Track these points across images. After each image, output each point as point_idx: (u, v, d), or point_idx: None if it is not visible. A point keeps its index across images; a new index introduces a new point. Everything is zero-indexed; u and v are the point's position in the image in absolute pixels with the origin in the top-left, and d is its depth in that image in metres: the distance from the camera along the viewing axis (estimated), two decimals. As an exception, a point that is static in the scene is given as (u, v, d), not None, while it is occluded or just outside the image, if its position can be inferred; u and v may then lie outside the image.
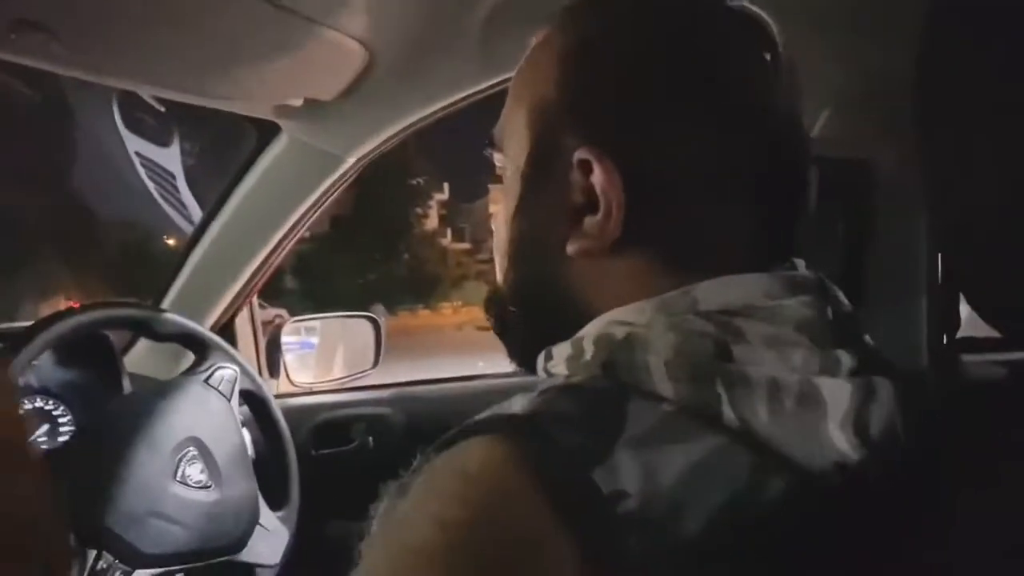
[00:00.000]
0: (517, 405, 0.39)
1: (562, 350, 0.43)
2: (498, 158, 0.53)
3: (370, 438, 1.18)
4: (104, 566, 0.74)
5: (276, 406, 1.05)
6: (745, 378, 0.37)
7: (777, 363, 0.38)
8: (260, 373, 1.32)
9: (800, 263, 0.46)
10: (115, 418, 0.86)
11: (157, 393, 0.90)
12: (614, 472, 0.34)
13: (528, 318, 0.50)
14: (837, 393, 0.37)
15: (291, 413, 1.24)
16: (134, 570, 0.77)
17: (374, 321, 1.58)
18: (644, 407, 0.37)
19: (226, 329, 1.27)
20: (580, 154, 0.43)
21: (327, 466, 1.17)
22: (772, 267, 0.43)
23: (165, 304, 1.20)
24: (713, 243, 0.43)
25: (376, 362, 1.56)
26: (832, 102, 0.79)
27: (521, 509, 0.33)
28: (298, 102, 0.96)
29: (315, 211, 1.15)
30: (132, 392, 1.04)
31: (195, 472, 0.88)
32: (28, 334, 0.81)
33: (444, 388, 1.31)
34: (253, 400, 1.04)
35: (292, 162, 1.07)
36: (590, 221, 0.43)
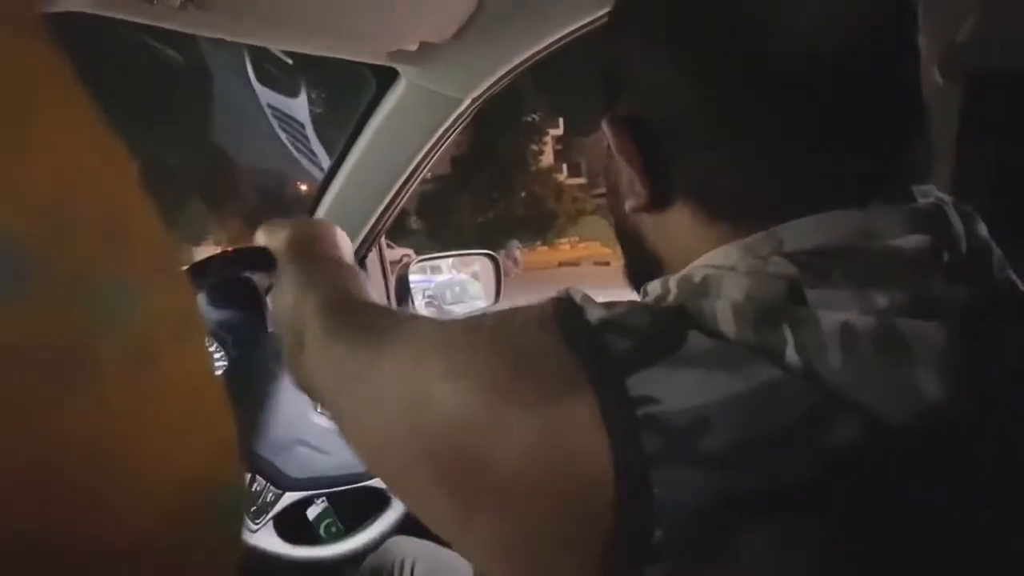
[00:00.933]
0: (596, 312, 0.40)
1: (654, 287, 0.45)
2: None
3: None
4: (258, 488, 0.84)
5: None
6: (814, 321, 0.35)
7: (855, 303, 0.36)
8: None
9: (926, 189, 0.43)
10: (262, 355, 0.95)
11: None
12: (648, 380, 0.35)
13: (631, 266, 0.54)
14: (928, 335, 0.35)
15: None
16: (284, 492, 0.86)
17: (493, 258, 1.62)
18: (703, 338, 0.37)
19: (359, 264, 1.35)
20: (603, 124, 0.47)
21: None
22: (875, 201, 0.40)
23: None
24: (764, 186, 0.41)
25: (497, 297, 1.61)
26: (979, 3, 0.71)
27: (553, 364, 0.38)
28: (413, 46, 0.99)
29: (435, 153, 1.18)
30: (272, 330, 1.14)
31: None
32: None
33: None
34: None
35: (411, 106, 1.10)
36: (625, 180, 0.47)
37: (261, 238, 0.84)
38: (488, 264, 1.61)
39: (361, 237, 1.29)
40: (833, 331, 0.35)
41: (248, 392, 0.90)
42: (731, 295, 0.38)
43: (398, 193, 1.23)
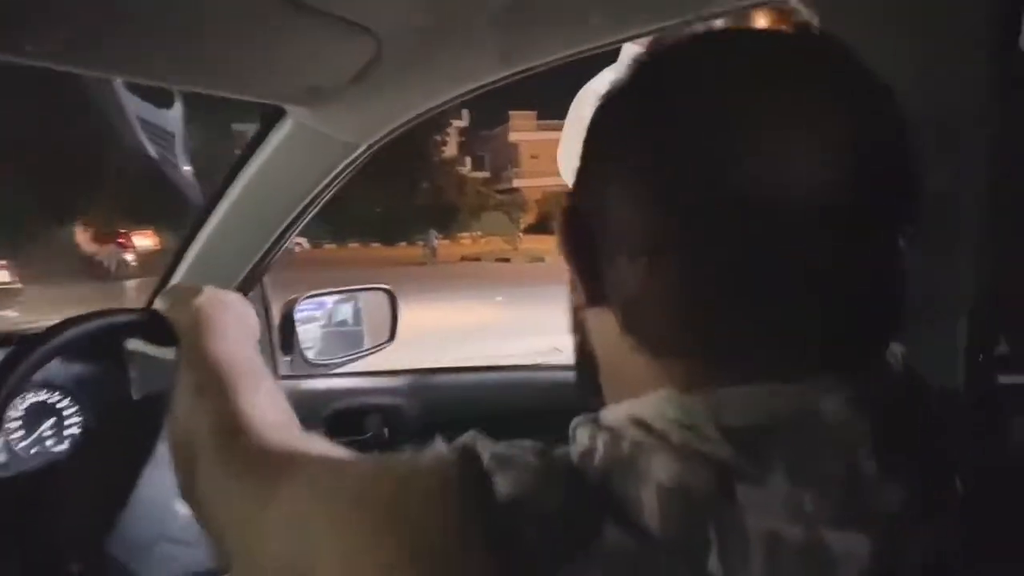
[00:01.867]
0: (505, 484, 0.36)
1: (582, 435, 0.40)
2: None
3: (385, 429, 1.16)
4: None
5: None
6: (741, 528, 0.33)
7: (784, 510, 0.34)
8: (273, 352, 1.30)
9: (889, 359, 0.40)
10: (123, 427, 0.83)
11: (161, 400, 0.87)
12: None
13: (577, 357, 0.50)
14: (855, 550, 0.33)
15: (304, 399, 1.23)
16: None
17: (389, 293, 1.54)
18: (620, 535, 0.34)
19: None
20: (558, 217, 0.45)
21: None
22: (826, 371, 0.37)
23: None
24: (700, 332, 0.38)
25: (392, 336, 1.53)
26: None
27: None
28: (304, 88, 0.90)
29: (328, 194, 1.10)
30: (138, 399, 1.01)
31: None
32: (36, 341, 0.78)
33: (461, 378, 1.29)
34: None
35: (299, 147, 1.01)
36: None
37: (162, 305, 0.79)
38: (384, 299, 1.52)
39: (244, 274, 1.18)
40: (759, 540, 0.33)
41: (104, 473, 0.79)
42: (659, 478, 0.35)
43: (284, 232, 1.13)
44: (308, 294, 1.44)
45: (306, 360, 1.37)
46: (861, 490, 0.34)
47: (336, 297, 1.50)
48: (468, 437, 0.41)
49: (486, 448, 0.38)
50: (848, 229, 0.36)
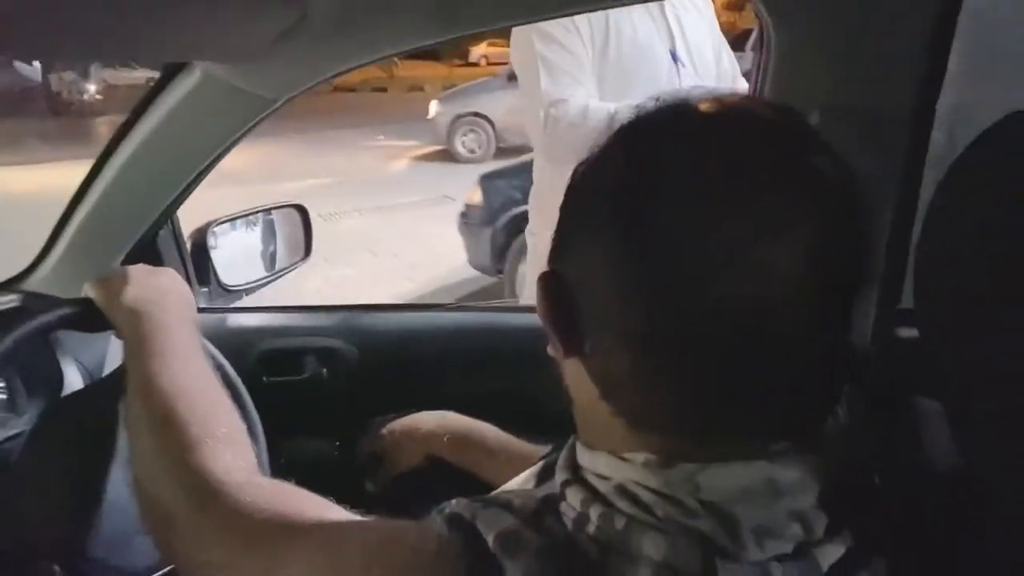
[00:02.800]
0: (518, 566, 0.41)
1: (574, 497, 0.45)
2: None
3: (323, 369, 1.18)
4: None
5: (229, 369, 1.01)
6: None
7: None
8: (190, 283, 1.26)
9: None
10: (68, 422, 0.82)
11: (109, 390, 0.85)
12: None
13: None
14: None
15: (234, 337, 1.22)
16: None
17: (301, 209, 1.49)
18: None
19: (149, 248, 1.17)
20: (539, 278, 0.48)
21: (280, 395, 1.18)
22: (784, 450, 0.44)
23: (56, 255, 1.09)
24: (672, 408, 0.43)
25: (308, 252, 1.50)
26: (820, 107, 0.75)
27: None
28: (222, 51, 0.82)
29: (238, 141, 1.02)
30: (80, 395, 0.97)
31: None
32: None
33: (399, 317, 1.30)
34: None
35: (209, 102, 0.93)
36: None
37: (91, 291, 0.79)
38: (295, 216, 1.47)
39: (145, 227, 1.12)
40: None
41: (61, 470, 0.78)
42: (651, 555, 0.40)
43: (187, 187, 1.07)
44: (216, 220, 1.37)
45: (223, 287, 1.34)
46: (812, 552, 0.42)
47: (246, 219, 1.44)
48: (464, 510, 0.45)
49: (488, 528, 0.43)
50: (815, 326, 0.42)
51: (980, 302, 0.46)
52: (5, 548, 0.75)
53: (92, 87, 12.05)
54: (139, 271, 0.82)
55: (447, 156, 8.71)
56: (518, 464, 0.67)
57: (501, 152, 8.18)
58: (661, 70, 1.21)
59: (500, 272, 3.83)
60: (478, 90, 9.10)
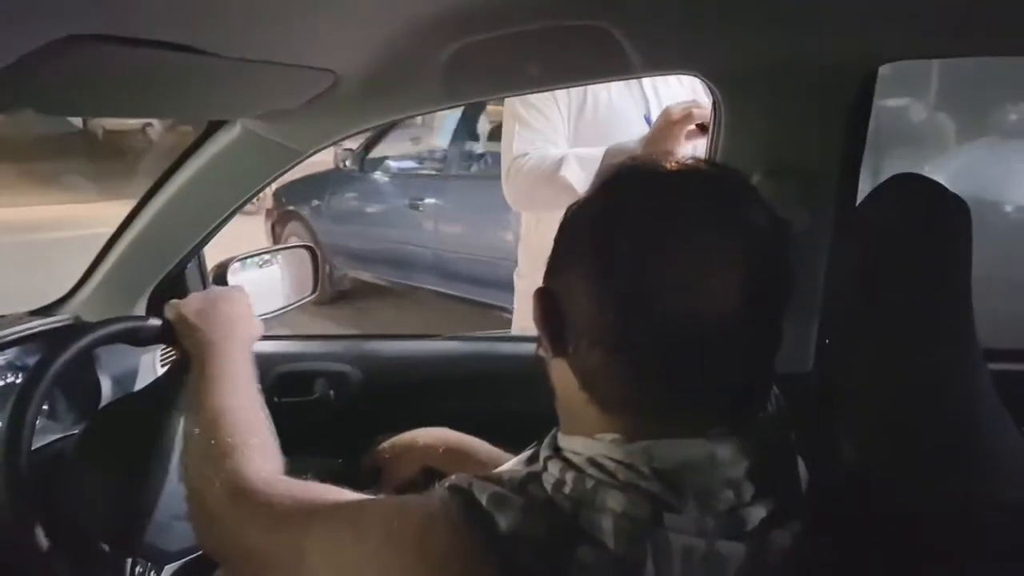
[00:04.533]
0: (507, 516, 0.52)
1: (554, 467, 0.56)
2: None
3: (331, 391, 1.30)
4: (140, 571, 0.87)
5: None
6: (667, 544, 0.51)
7: (695, 528, 0.51)
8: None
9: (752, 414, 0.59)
10: (122, 433, 0.93)
11: (152, 399, 0.97)
12: None
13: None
14: (736, 554, 0.52)
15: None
16: (163, 567, 0.90)
17: (311, 249, 1.63)
18: (590, 553, 0.51)
19: (177, 280, 1.31)
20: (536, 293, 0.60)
21: (291, 414, 1.29)
22: (726, 423, 0.55)
23: (94, 283, 1.23)
24: (655, 410, 0.55)
25: (315, 289, 1.64)
26: (762, 168, 0.90)
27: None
28: (260, 111, 0.96)
29: (264, 188, 1.17)
30: (125, 402, 1.08)
31: None
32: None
33: (400, 346, 1.43)
34: None
35: (246, 153, 1.08)
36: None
37: (169, 312, 0.91)
38: (305, 255, 1.61)
39: (174, 264, 1.26)
40: (679, 551, 0.50)
41: (117, 468, 0.89)
42: (613, 508, 0.51)
43: (216, 227, 1.21)
44: (236, 257, 1.51)
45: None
46: (740, 511, 0.54)
47: (261, 257, 1.57)
48: (461, 480, 0.56)
49: (482, 492, 0.54)
50: (744, 336, 0.55)
51: (858, 326, 0.61)
52: (64, 534, 0.85)
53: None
54: (214, 297, 0.94)
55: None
56: None
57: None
58: (634, 133, 1.34)
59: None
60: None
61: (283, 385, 1.32)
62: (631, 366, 0.55)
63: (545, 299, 0.59)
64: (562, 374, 0.60)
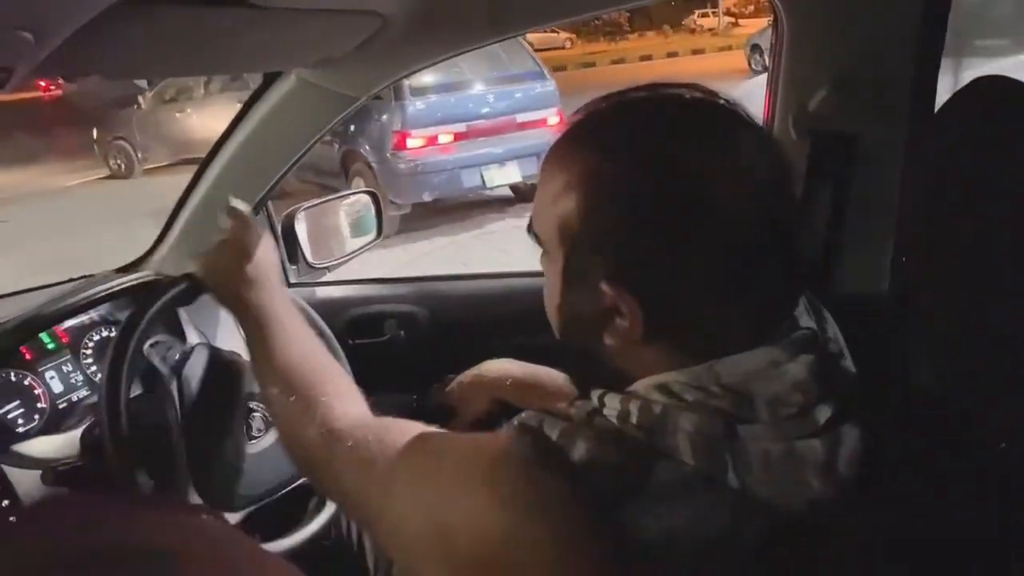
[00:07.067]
0: (578, 447, 0.52)
1: (612, 402, 0.56)
2: (536, 239, 0.64)
3: (401, 332, 1.34)
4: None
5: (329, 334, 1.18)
6: (745, 452, 0.51)
7: (770, 434, 0.52)
8: (282, 261, 1.44)
9: (801, 314, 0.60)
10: (214, 401, 1.00)
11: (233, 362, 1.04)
12: (633, 515, 0.49)
13: (581, 366, 0.65)
14: (812, 449, 0.52)
15: (324, 306, 1.39)
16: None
17: (373, 195, 1.66)
18: (669, 467, 0.51)
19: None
20: (604, 287, 0.55)
21: (365, 354, 1.35)
22: (775, 333, 0.56)
23: (171, 239, 1.28)
24: (723, 329, 0.55)
25: (379, 233, 1.67)
26: (829, 80, 0.85)
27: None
28: (312, 59, 0.97)
29: (322, 136, 1.19)
30: (219, 364, 1.12)
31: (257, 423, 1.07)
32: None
33: (464, 285, 1.45)
34: None
35: (303, 102, 1.09)
36: (619, 323, 0.56)
37: (196, 266, 0.92)
38: (368, 200, 1.64)
39: (251, 207, 1.29)
40: (757, 456, 0.51)
41: (213, 439, 0.97)
42: (687, 428, 0.51)
43: (280, 177, 1.24)
44: (303, 205, 1.55)
45: (309, 265, 1.52)
46: (810, 410, 0.54)
47: (326, 204, 1.61)
48: (530, 418, 0.57)
49: (552, 428, 0.55)
50: (780, 235, 0.55)
51: (949, 243, 0.58)
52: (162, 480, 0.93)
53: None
54: (231, 244, 0.91)
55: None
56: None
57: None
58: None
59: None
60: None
61: (356, 327, 1.37)
62: (689, 303, 0.55)
63: (617, 284, 0.55)
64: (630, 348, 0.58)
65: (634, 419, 0.54)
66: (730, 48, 17.47)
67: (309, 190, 5.15)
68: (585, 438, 0.53)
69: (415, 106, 5.68)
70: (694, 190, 0.53)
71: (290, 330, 0.85)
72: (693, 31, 26.07)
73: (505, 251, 4.97)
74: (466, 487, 0.56)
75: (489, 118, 5.96)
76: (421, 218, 6.01)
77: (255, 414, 1.06)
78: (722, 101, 0.58)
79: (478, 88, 6.03)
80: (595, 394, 0.59)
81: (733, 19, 26.22)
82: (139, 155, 9.47)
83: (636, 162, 0.55)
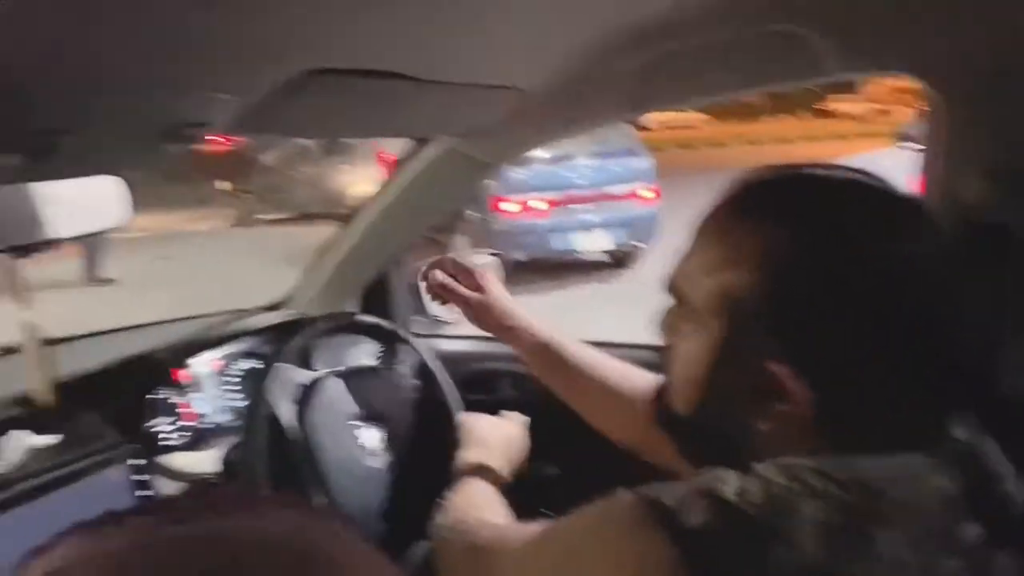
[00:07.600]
0: (696, 515, 0.50)
1: (731, 477, 0.53)
2: (673, 298, 0.63)
3: (514, 392, 1.37)
4: None
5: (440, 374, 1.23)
6: (876, 553, 0.48)
7: (902, 540, 0.48)
8: (411, 314, 1.53)
9: (961, 429, 0.55)
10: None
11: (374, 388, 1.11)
12: None
13: (706, 442, 0.62)
14: (952, 568, 0.49)
15: (446, 359, 1.44)
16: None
17: (494, 255, 1.72)
18: (785, 552, 0.48)
19: (383, 281, 1.46)
20: (774, 366, 0.53)
21: (477, 410, 1.37)
22: (927, 441, 0.53)
23: (318, 282, 1.39)
24: (877, 425, 0.53)
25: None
26: (985, 170, 0.81)
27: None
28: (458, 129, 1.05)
29: (458, 204, 1.26)
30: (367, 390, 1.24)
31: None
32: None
33: None
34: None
35: (446, 166, 1.17)
36: (780, 408, 0.54)
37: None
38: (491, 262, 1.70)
39: (390, 259, 1.40)
40: (887, 561, 0.48)
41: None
42: (812, 516, 0.49)
43: (423, 230, 1.32)
44: (425, 264, 1.64)
45: (434, 319, 1.59)
46: (954, 527, 0.50)
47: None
48: (648, 489, 0.55)
49: (669, 496, 0.53)
50: (948, 331, 0.53)
51: None
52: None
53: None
54: (491, 425, 1.06)
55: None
56: None
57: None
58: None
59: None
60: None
61: (470, 384, 1.40)
62: (866, 376, 0.53)
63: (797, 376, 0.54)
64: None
65: (753, 497, 0.51)
66: (873, 136, 16.94)
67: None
68: (700, 508, 0.51)
69: (514, 174, 6.03)
70: (880, 279, 0.52)
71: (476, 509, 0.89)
72: (830, 114, 25.46)
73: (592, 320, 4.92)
74: (586, 562, 0.55)
75: (582, 188, 6.30)
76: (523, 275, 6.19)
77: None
78: (898, 190, 0.57)
79: (578, 160, 6.36)
80: (713, 470, 0.56)
81: (878, 105, 25.39)
82: (259, 207, 10.19)
83: (827, 243, 0.53)
